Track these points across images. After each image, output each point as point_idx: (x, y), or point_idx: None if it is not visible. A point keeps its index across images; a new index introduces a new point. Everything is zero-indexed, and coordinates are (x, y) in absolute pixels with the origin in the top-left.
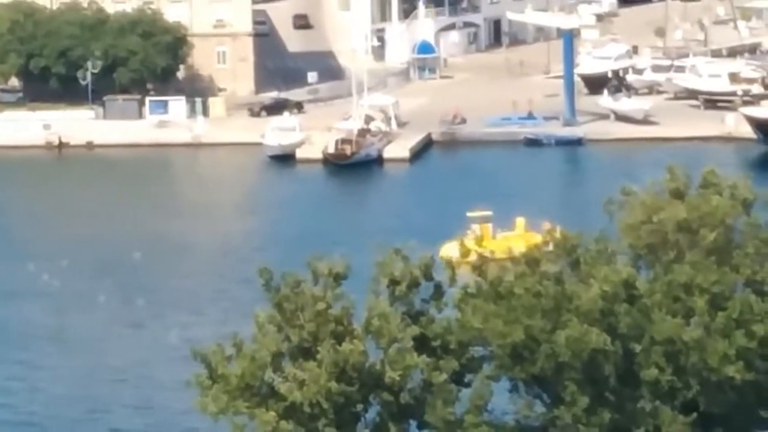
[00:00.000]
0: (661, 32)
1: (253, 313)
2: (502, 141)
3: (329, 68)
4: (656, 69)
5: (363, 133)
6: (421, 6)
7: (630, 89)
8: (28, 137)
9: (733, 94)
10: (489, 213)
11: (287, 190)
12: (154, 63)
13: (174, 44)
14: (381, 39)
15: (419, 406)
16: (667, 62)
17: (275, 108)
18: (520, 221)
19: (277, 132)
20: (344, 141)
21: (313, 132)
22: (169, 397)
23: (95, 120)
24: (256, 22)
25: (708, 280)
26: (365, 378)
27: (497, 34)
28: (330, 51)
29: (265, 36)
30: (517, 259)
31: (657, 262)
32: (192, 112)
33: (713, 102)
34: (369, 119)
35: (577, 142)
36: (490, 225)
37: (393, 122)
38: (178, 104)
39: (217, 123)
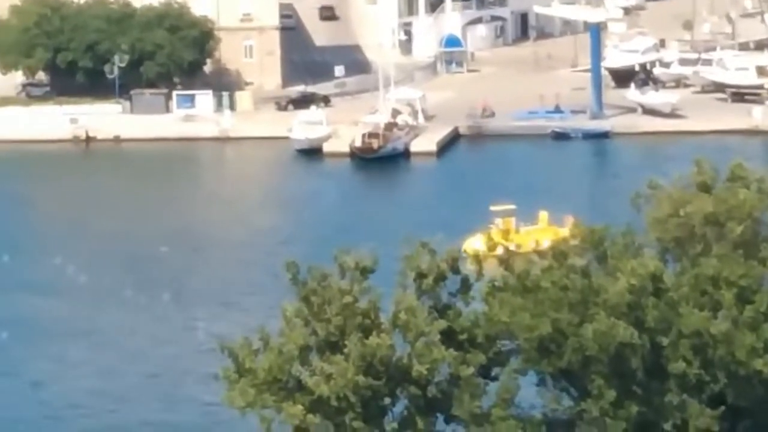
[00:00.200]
0: (688, 25)
1: (281, 306)
2: (529, 134)
3: (356, 62)
4: (683, 62)
5: (390, 126)
6: (448, 0)
7: (657, 82)
8: (55, 131)
9: (761, 87)
10: (512, 207)
11: (314, 184)
12: (181, 57)
13: (201, 38)
14: (408, 33)
15: (446, 400)
16: (694, 55)
17: (302, 102)
18: (543, 215)
19: (304, 126)
20: (371, 135)
21: (340, 126)
22: (196, 390)
23: (122, 114)
24: (282, 16)
25: (735, 273)
26: (392, 372)
27: (524, 28)
28: (357, 45)
29: (291, 30)
30: (544, 253)
31: (684, 256)
32: (219, 106)
33: (740, 95)
34: (396, 113)
35: (604, 136)
36: (513, 219)
37: (420, 116)
38: (205, 98)
39: (244, 117)
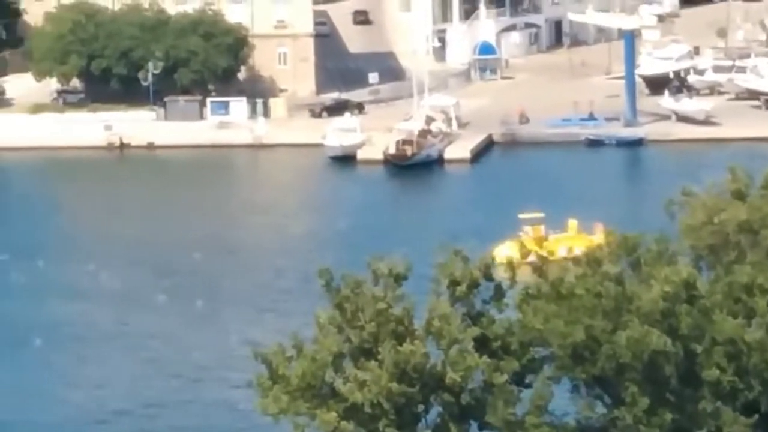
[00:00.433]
0: (722, 33)
1: (314, 313)
2: (563, 142)
3: (390, 69)
4: (717, 69)
5: (424, 133)
6: (482, 7)
7: (691, 90)
8: (89, 138)
9: None
10: (541, 215)
11: (348, 190)
12: (215, 64)
13: (235, 45)
14: (442, 40)
15: (480, 407)
16: (728, 63)
17: (336, 109)
18: (573, 223)
19: (338, 133)
20: (405, 142)
21: (374, 133)
22: (229, 396)
23: (156, 121)
24: (316, 23)
25: None
26: (426, 379)
27: (558, 35)
28: (391, 52)
29: (326, 36)
30: (578, 260)
31: (718, 263)
32: (253, 113)
33: None
34: (430, 120)
35: (638, 143)
36: (542, 227)
37: (454, 123)
38: (239, 105)
39: (278, 124)
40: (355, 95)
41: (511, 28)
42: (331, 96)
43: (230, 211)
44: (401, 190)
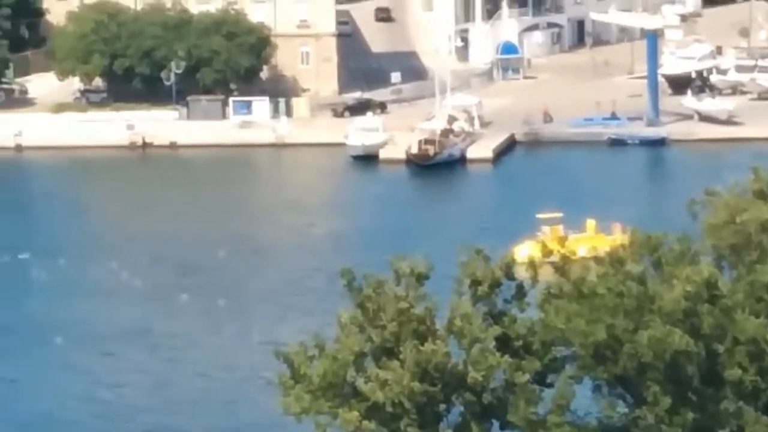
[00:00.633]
0: (745, 33)
1: (336, 313)
2: (586, 141)
3: (412, 68)
4: (740, 69)
5: (446, 133)
6: (504, 6)
7: (714, 89)
8: (112, 137)
9: None
10: (559, 215)
11: (370, 190)
12: (237, 63)
13: (257, 45)
14: (464, 39)
15: (501, 407)
16: (751, 62)
17: (358, 108)
18: (591, 223)
19: (360, 132)
20: (427, 141)
21: (397, 132)
22: (251, 395)
23: (179, 120)
24: (339, 23)
25: None
26: (448, 378)
27: (581, 35)
28: (413, 51)
29: (348, 36)
30: (600, 259)
31: (740, 263)
32: (275, 112)
33: None
34: (452, 119)
35: (661, 143)
36: (560, 227)
37: (476, 122)
38: (261, 104)
39: (300, 123)
40: (377, 95)
41: (534, 27)
42: (354, 95)
43: (252, 211)
44: (423, 189)
